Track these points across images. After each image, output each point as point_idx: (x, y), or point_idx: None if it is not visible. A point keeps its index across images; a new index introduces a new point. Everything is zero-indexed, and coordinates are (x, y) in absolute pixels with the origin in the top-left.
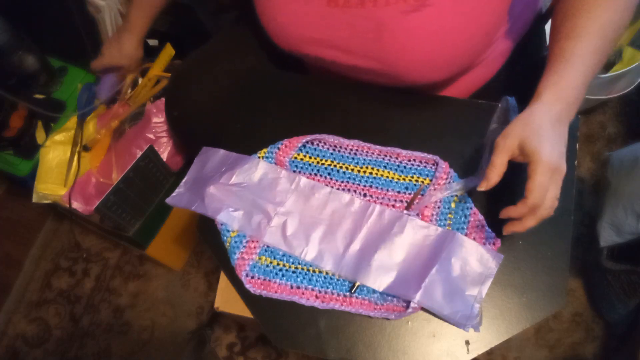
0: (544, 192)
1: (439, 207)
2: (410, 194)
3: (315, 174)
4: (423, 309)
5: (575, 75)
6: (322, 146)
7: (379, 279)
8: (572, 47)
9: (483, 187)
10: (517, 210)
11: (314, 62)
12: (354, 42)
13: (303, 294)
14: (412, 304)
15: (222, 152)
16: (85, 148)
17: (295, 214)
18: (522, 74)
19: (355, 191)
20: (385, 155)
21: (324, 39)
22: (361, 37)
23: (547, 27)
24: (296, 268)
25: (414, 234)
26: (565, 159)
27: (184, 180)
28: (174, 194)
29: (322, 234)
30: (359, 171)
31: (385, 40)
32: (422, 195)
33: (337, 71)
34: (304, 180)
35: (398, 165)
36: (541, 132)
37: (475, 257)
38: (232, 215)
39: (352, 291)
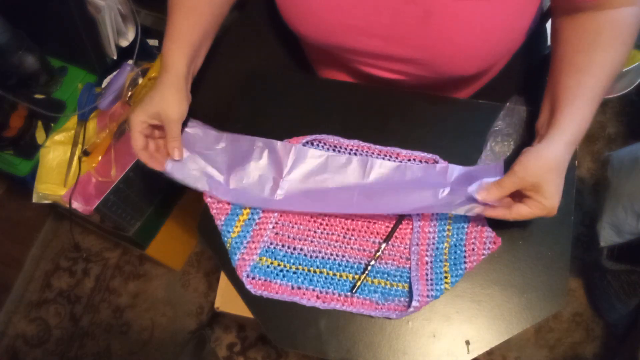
0: (529, 217)
1: None
2: None
3: None
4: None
5: (591, 114)
6: (322, 146)
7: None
8: (591, 85)
9: (481, 196)
10: (495, 212)
11: (338, 55)
12: (396, 29)
13: (304, 294)
14: (413, 303)
15: (212, 133)
16: (85, 153)
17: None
18: (524, 73)
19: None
20: (385, 155)
21: (363, 26)
22: (405, 23)
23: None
24: (297, 269)
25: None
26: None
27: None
28: (171, 161)
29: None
30: None
31: (432, 27)
32: None
33: (361, 65)
34: (300, 148)
35: None
36: (559, 180)
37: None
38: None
39: (354, 291)
